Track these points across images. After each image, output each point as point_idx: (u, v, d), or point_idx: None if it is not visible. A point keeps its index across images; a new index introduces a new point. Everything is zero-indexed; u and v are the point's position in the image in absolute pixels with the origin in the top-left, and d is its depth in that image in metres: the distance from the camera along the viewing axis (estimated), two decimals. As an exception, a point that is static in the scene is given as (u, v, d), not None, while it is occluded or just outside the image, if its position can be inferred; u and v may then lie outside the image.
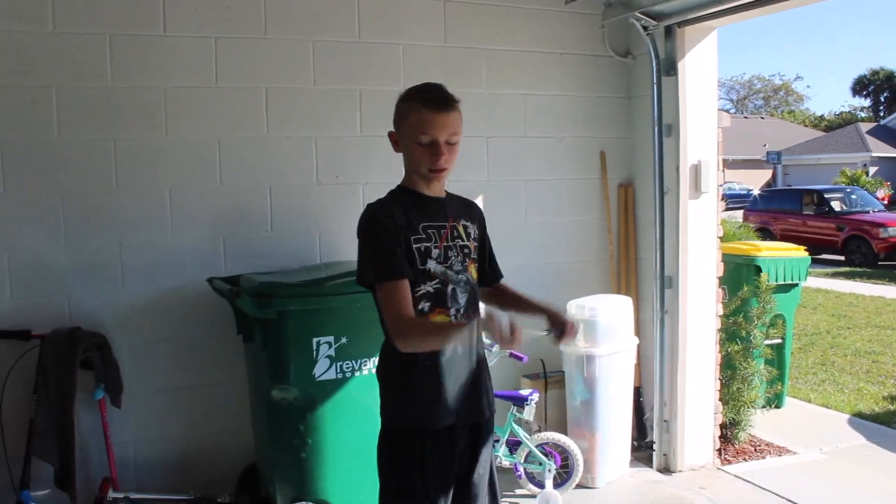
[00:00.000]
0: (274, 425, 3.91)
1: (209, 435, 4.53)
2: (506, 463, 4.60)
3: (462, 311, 2.69)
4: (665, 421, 5.06)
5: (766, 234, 18.21)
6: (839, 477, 5.02)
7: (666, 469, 5.07)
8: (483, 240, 2.89)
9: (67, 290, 4.26)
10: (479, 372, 2.76)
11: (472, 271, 2.77)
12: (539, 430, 4.80)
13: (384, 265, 2.57)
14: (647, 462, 5.13)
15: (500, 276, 2.98)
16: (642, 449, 5.20)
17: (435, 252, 2.65)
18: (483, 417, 2.80)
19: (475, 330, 2.48)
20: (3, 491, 4.02)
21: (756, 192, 28.50)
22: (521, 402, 4.52)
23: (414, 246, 2.61)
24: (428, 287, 2.63)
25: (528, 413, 4.53)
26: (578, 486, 4.74)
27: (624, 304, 4.92)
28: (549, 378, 5.03)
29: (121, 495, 4.16)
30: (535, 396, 4.55)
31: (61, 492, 4.00)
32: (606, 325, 4.70)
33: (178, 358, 4.46)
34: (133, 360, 4.35)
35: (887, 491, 4.75)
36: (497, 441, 4.61)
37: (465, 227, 2.78)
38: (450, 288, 2.67)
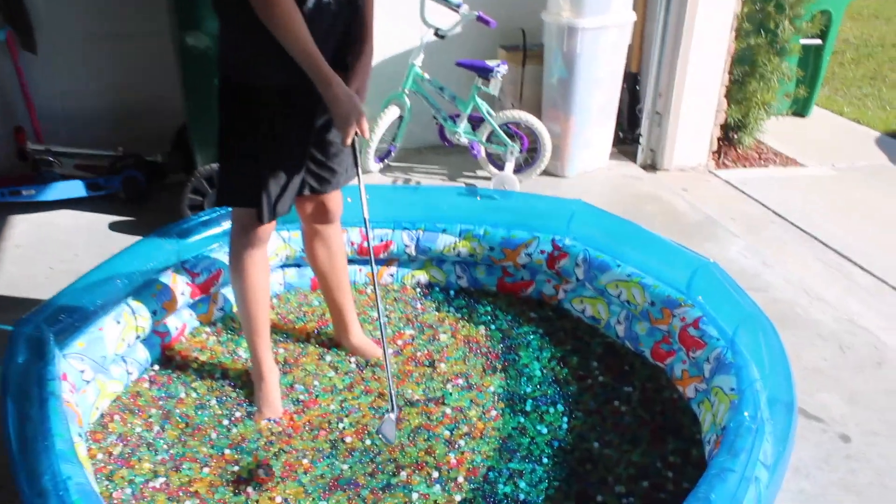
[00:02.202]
0: (188, 79, 3.47)
1: (141, 91, 4.17)
2: (464, 140, 4.18)
3: None
4: (657, 113, 4.51)
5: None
6: (838, 194, 4.49)
7: (651, 166, 4.61)
8: None
9: None
10: (346, 28, 2.22)
11: None
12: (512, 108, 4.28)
13: None
14: (632, 158, 4.66)
15: None
16: (628, 143, 4.71)
17: None
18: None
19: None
20: None
21: None
22: (486, 73, 3.97)
23: None
24: None
25: (494, 87, 4.01)
26: (546, 173, 4.34)
27: (623, -30, 4.15)
28: (529, 51, 4.42)
29: (42, 147, 3.88)
30: (503, 69, 3.99)
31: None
32: (596, -8, 3.99)
33: (103, 1, 3.97)
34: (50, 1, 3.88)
35: (883, 212, 4.26)
36: (458, 116, 4.15)
37: None
38: None
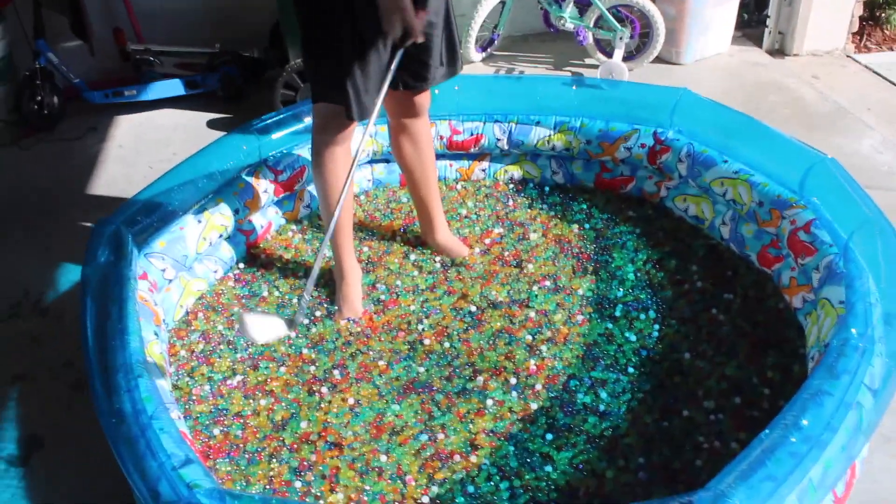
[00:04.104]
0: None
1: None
2: (570, 26, 3.90)
3: None
4: (788, -8, 4.07)
5: None
6: None
7: (778, 52, 4.19)
8: None
9: None
10: None
11: None
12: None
13: None
14: (757, 42, 4.25)
15: None
16: (753, 25, 4.29)
17: None
18: None
19: None
20: (19, 43, 3.80)
21: None
22: (593, -48, 3.67)
23: None
24: None
25: (603, -33, 3.70)
26: (660, 60, 4.02)
27: None
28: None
29: (141, 47, 3.88)
30: (614, -55, 3.67)
31: (81, 42, 3.79)
32: None
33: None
34: None
35: None
36: (563, 0, 3.87)
37: None
38: None
